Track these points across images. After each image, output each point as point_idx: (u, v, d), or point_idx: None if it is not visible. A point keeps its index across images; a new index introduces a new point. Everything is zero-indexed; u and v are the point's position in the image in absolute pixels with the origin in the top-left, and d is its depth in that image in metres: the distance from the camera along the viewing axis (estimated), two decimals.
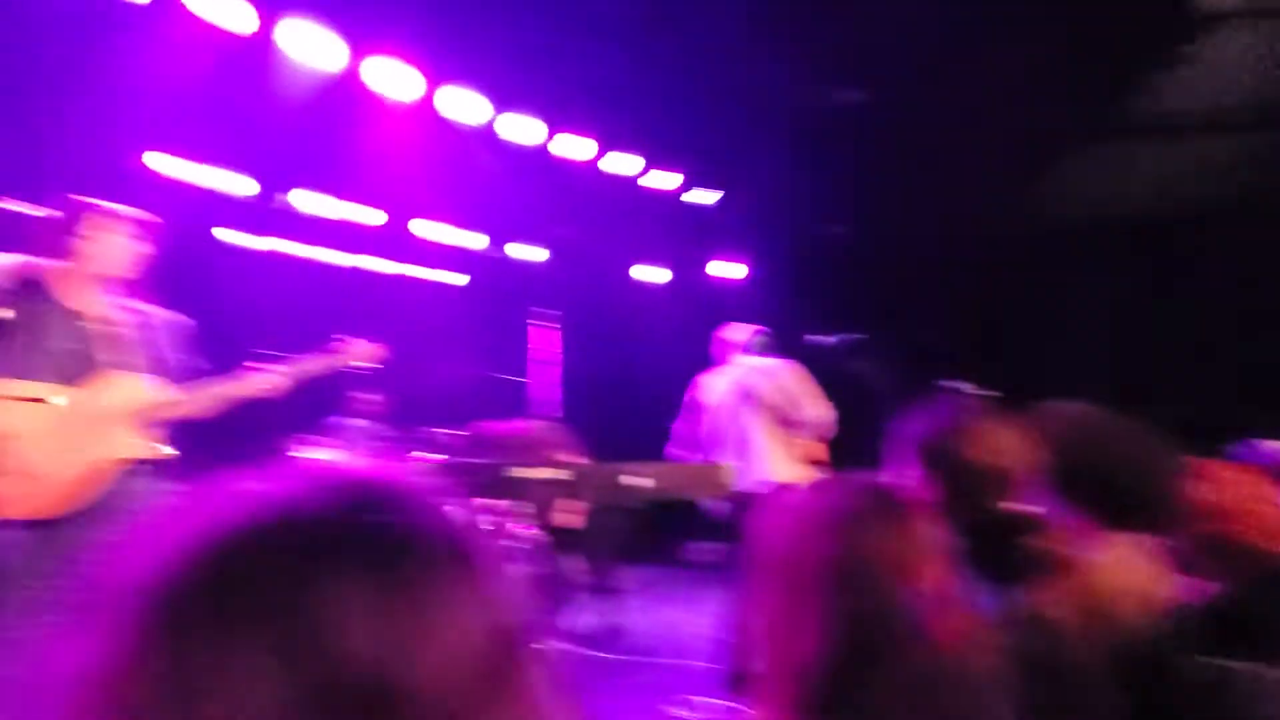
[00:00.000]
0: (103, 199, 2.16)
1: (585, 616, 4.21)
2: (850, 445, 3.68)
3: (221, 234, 5.98)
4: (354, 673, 0.30)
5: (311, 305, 6.51)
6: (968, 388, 3.23)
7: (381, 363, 2.60)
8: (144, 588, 0.32)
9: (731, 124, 5.23)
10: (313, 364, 2.38)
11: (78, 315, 2.06)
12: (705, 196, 6.29)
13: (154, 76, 3.98)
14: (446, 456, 5.24)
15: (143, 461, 2.08)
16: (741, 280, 7.42)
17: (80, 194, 2.14)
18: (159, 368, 2.16)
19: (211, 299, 5.72)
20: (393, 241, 6.64)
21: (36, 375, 1.94)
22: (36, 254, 2.03)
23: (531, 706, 0.36)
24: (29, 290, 2.00)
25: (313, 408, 5.73)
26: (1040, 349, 5.68)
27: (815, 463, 3.38)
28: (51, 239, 2.03)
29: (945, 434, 1.16)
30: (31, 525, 1.87)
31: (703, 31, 4.36)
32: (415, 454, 5.05)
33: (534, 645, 0.38)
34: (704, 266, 7.44)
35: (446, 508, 0.39)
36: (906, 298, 6.34)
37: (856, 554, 0.76)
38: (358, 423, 5.75)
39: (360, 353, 2.53)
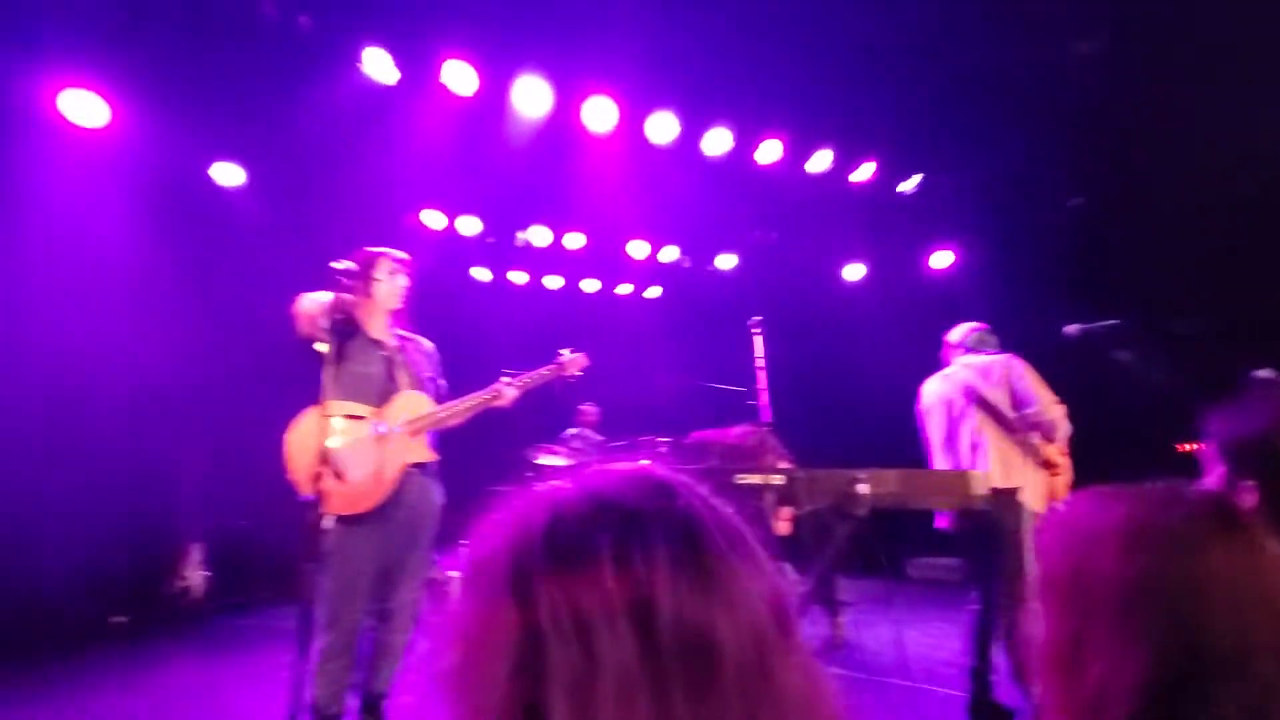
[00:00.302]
0: (386, 247, 2.67)
1: (807, 626, 4.15)
2: (1121, 445, 3.21)
3: (476, 272, 6.94)
4: (674, 625, 0.39)
5: (540, 326, 7.27)
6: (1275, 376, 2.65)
7: (594, 372, 2.93)
8: (507, 560, 0.44)
9: (933, 101, 4.83)
10: (536, 376, 2.74)
11: (378, 344, 2.55)
12: (905, 184, 5.86)
13: (412, 144, 4.78)
14: (665, 464, 5.53)
15: (423, 465, 2.50)
16: (953, 270, 6.78)
17: (370, 245, 2.67)
18: (426, 386, 2.60)
19: (465, 326, 6.65)
20: (605, 262, 7.16)
21: (352, 396, 2.42)
22: (344, 294, 2.46)
23: (805, 657, 0.45)
24: (342, 325, 2.46)
25: (550, 420, 6.39)
26: None
27: (1049, 466, 3.00)
28: (354, 282, 2.47)
29: (1263, 431, 0.99)
30: (344, 520, 2.30)
31: (892, 6, 4.11)
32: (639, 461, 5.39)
33: (795, 611, 0.47)
34: (913, 258, 6.92)
35: (719, 504, 0.48)
36: (1168, 275, 5.31)
37: (1190, 574, 0.65)
38: (587, 433, 6.28)
39: (576, 363, 2.88)
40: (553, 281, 7.36)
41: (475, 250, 6.63)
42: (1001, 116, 5.00)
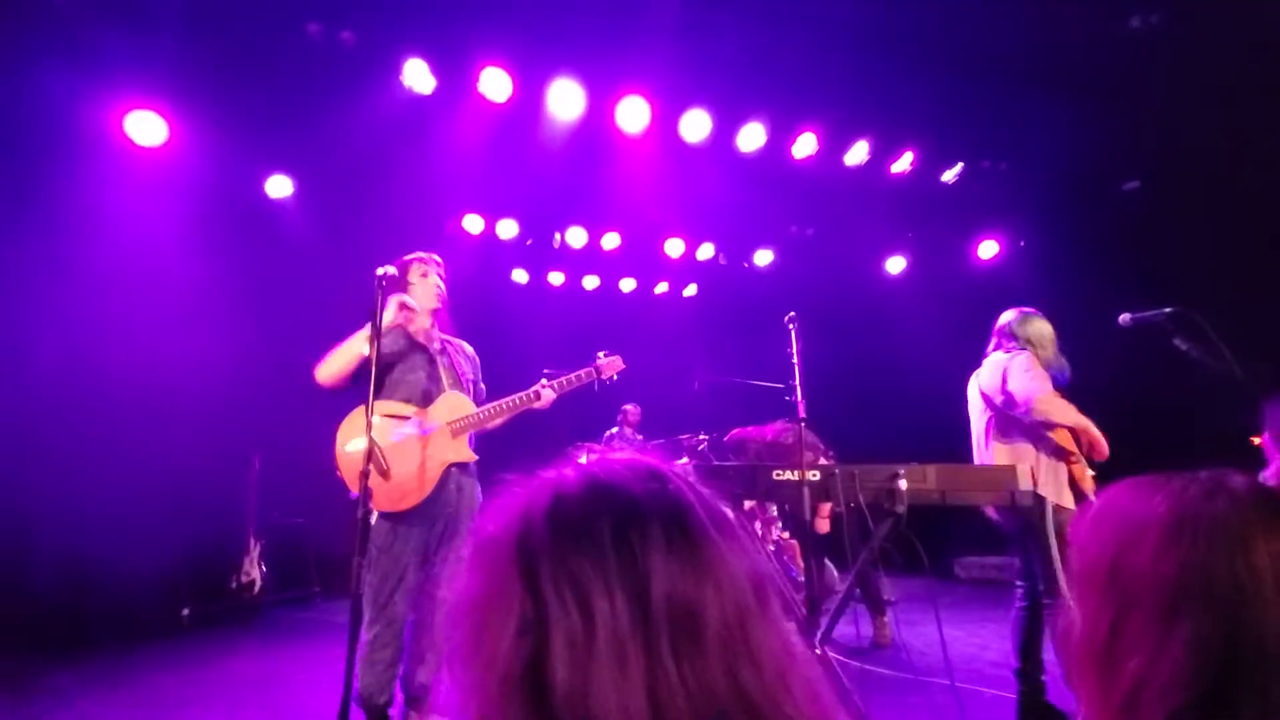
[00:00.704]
0: (419, 251, 2.75)
1: (850, 626, 4.09)
2: (1185, 436, 3.08)
3: (515, 274, 7.06)
4: (665, 598, 0.45)
5: (578, 327, 7.35)
6: None
7: (632, 371, 2.96)
8: (514, 537, 0.48)
9: (972, 85, 4.68)
10: (574, 378, 2.78)
11: (422, 347, 2.63)
12: (948, 174, 5.70)
13: (451, 151, 4.89)
14: (703, 461, 5.54)
15: (464, 464, 2.57)
16: (999, 260, 6.57)
17: (413, 251, 2.76)
18: (467, 388, 2.67)
19: (505, 328, 6.78)
20: (642, 261, 7.19)
21: (397, 396, 2.48)
22: (387, 300, 2.57)
23: (782, 627, 0.49)
24: (389, 329, 2.55)
25: (592, 421, 6.47)
26: None
27: (1066, 456, 2.90)
28: (395, 288, 2.58)
29: None
30: (388, 516, 2.40)
31: None
32: (677, 461, 5.41)
33: (774, 587, 0.52)
34: (957, 249, 6.74)
35: (705, 490, 0.54)
36: (1234, 260, 5.04)
37: (1233, 567, 0.62)
38: (627, 433, 6.34)
39: (613, 365, 2.92)
40: (590, 282, 7.42)
41: (514, 253, 6.74)
42: (1046, 98, 4.82)
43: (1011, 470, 2.30)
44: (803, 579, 4.45)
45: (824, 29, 4.24)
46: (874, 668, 3.71)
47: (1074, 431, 2.96)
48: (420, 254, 2.71)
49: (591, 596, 0.44)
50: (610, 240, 6.60)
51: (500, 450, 3.45)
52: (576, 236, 6.48)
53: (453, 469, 2.52)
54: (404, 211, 5.34)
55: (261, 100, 4.36)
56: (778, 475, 2.41)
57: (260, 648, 4.30)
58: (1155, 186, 5.56)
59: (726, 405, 6.26)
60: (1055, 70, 4.62)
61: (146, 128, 4.27)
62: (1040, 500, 2.85)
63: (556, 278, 7.26)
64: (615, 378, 2.95)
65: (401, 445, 2.42)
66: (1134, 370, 4.25)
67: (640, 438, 6.33)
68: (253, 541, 4.92)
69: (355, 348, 2.43)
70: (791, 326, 2.67)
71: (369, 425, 2.07)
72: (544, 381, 2.69)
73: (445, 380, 2.59)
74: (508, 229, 6.22)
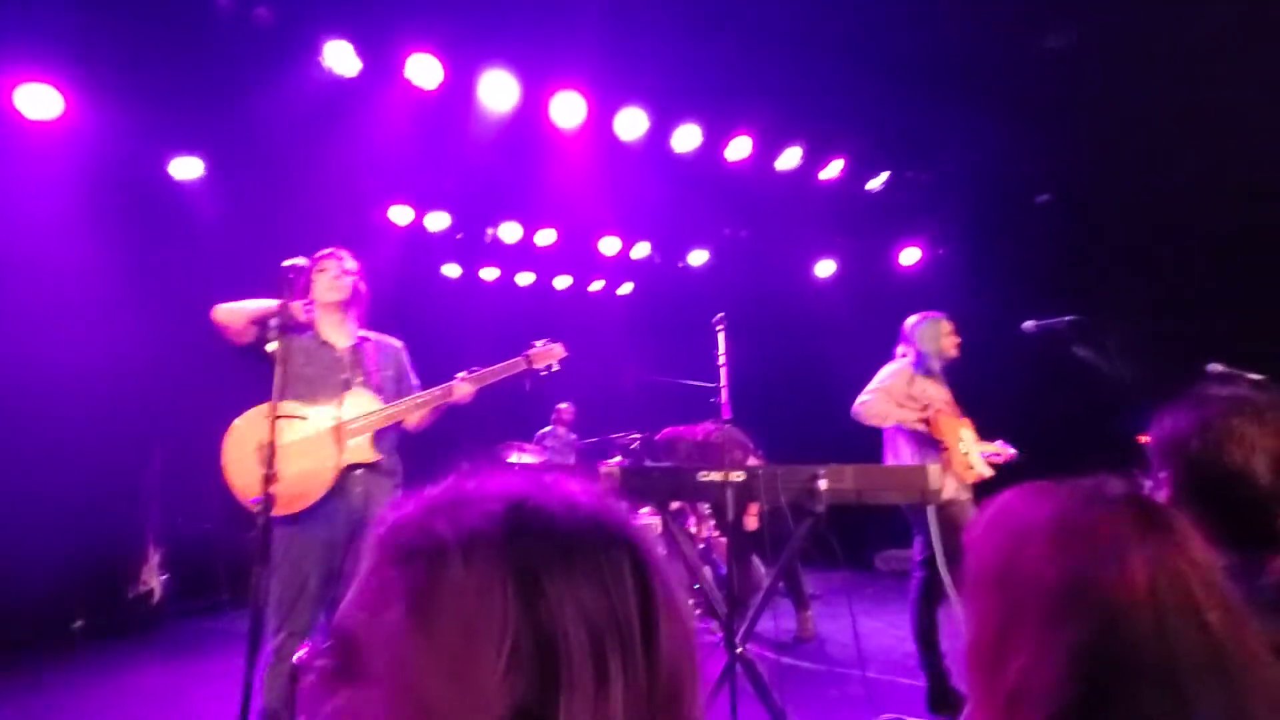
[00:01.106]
0: (349, 248, 2.63)
1: (774, 621, 4.18)
2: (1082, 438, 3.27)
3: (447, 269, 6.86)
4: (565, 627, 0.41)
5: (512, 323, 7.23)
6: (1241, 374, 2.72)
7: (567, 369, 2.85)
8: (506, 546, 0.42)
9: (900, 97, 4.86)
10: (498, 370, 2.64)
11: (327, 345, 2.51)
12: (873, 182, 5.91)
13: (377, 138, 4.70)
14: (634, 460, 5.54)
15: (370, 466, 2.43)
16: (921, 266, 6.86)
17: (335, 242, 2.63)
18: (382, 385, 2.54)
19: (436, 324, 6.59)
20: (577, 258, 7.13)
21: (295, 396, 2.34)
22: (292, 296, 2.41)
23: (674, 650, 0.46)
24: (289, 326, 2.39)
25: (523, 419, 6.36)
26: None
27: (936, 446, 3.18)
28: (298, 282, 2.43)
29: (1200, 433, 0.98)
30: (286, 521, 2.26)
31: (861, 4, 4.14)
32: (608, 460, 5.39)
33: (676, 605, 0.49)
34: (882, 255, 6.99)
35: (613, 504, 0.50)
36: (1141, 272, 5.42)
37: (1110, 577, 0.63)
38: (560, 432, 6.27)
39: (550, 354, 2.76)
40: (524, 278, 7.31)
41: (445, 246, 6.56)
42: (969, 112, 5.05)
43: (923, 471, 2.38)
44: (729, 575, 4.51)
45: (759, 34, 4.30)
46: (794, 661, 3.81)
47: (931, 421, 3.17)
48: (327, 250, 2.58)
49: (609, 641, 0.41)
50: (545, 236, 6.51)
51: (426, 451, 3.34)
52: (510, 232, 6.36)
53: (355, 471, 2.40)
54: (325, 199, 5.09)
55: (168, 76, 4.07)
56: (703, 477, 2.42)
57: (160, 661, 4.03)
58: (1066, 200, 5.90)
59: (659, 404, 6.29)
60: (977, 84, 4.84)
61: (39, 101, 3.92)
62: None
63: (490, 273, 7.11)
64: (555, 368, 2.78)
65: (294, 446, 2.29)
66: (1039, 375, 4.51)
67: (574, 436, 6.28)
68: (152, 548, 4.60)
69: (263, 307, 2.31)
70: (719, 329, 2.69)
71: (272, 425, 1.95)
72: (461, 375, 2.56)
73: (352, 378, 2.48)
74: (438, 221, 6.04)
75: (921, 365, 3.37)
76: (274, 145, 4.66)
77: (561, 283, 7.52)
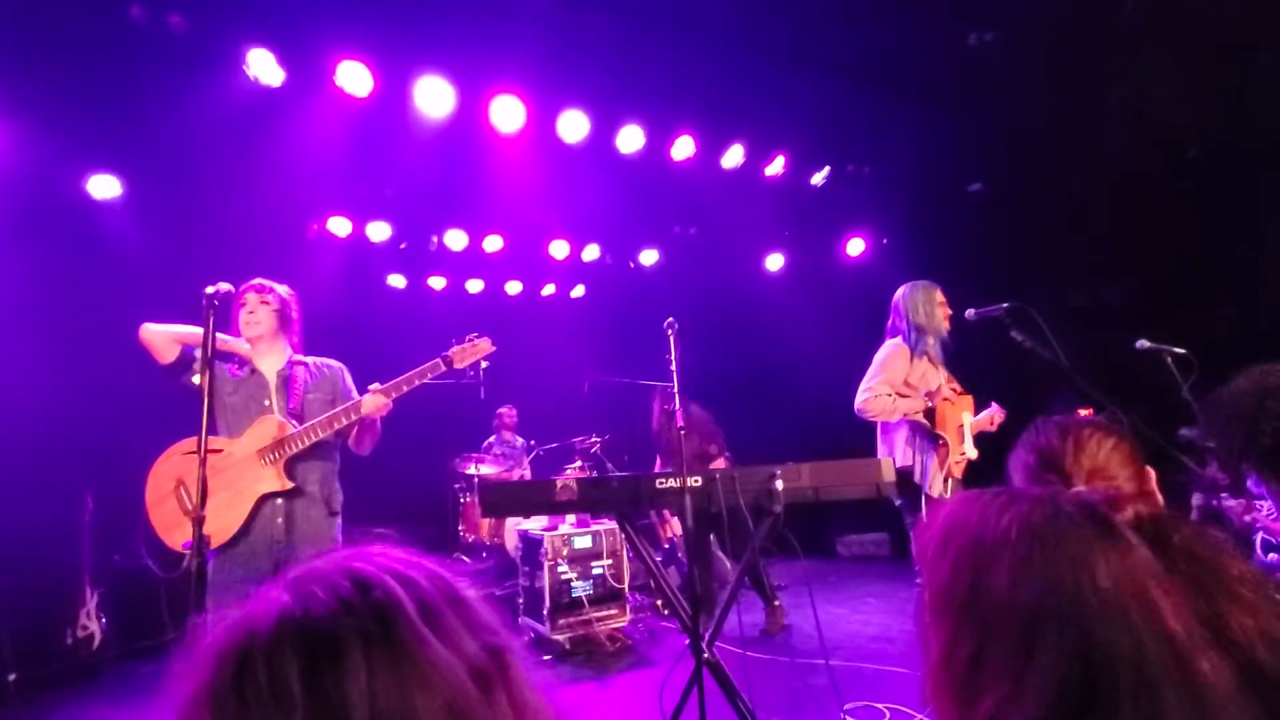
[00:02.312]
0: (285, 264, 2.54)
1: (739, 616, 4.21)
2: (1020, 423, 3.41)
3: (393, 279, 6.67)
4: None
5: (463, 331, 7.08)
6: (1168, 349, 2.85)
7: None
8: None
9: (835, 93, 4.95)
10: (415, 375, 2.46)
11: (255, 372, 2.44)
12: (816, 176, 6.00)
13: (309, 149, 4.53)
14: (595, 464, 5.52)
15: (289, 493, 2.34)
16: (866, 257, 7.01)
17: (266, 263, 2.53)
18: (305, 410, 2.44)
19: (384, 336, 6.40)
20: (527, 263, 7.03)
21: (220, 428, 2.35)
22: (216, 325, 2.31)
23: (518, 702, 0.46)
24: (214, 356, 2.30)
25: (475, 428, 6.25)
26: (1253, 296, 4.78)
27: (935, 442, 3.14)
28: (225, 311, 2.36)
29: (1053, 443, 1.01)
30: (215, 551, 2.23)
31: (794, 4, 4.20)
32: (567, 465, 5.35)
33: (515, 654, 0.49)
34: (829, 248, 7.12)
35: (425, 573, 0.49)
36: (1069, 254, 5.66)
37: (1078, 593, 0.60)
38: (506, 436, 6.18)
39: (474, 351, 2.63)
40: (474, 285, 7.18)
41: (388, 256, 6.39)
42: (902, 106, 5.18)
43: (876, 464, 2.42)
44: (695, 574, 4.54)
45: (696, 34, 4.31)
46: (760, 654, 3.83)
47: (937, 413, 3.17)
48: (248, 283, 2.50)
49: None
50: (493, 243, 6.41)
51: (374, 469, 3.24)
52: (456, 239, 6.23)
53: (272, 499, 2.33)
54: (258, 214, 4.89)
55: (81, 90, 3.85)
56: (661, 484, 2.40)
57: (104, 709, 3.81)
58: (997, 188, 6.11)
59: (617, 405, 6.27)
60: (908, 80, 4.97)
61: None
62: (916, 489, 3.06)
63: (438, 282, 6.96)
64: (484, 364, 2.65)
65: (212, 480, 2.19)
66: (984, 361, 4.67)
67: (523, 441, 6.21)
68: (89, 591, 4.34)
69: (189, 333, 2.32)
70: (670, 332, 2.67)
71: (203, 461, 1.85)
72: (374, 387, 2.41)
73: (274, 405, 2.40)
74: (379, 231, 5.87)
75: (915, 344, 3.27)
76: (199, 160, 4.44)
77: (513, 288, 7.41)
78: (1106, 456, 1.11)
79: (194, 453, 2.11)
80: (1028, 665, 0.59)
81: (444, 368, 2.54)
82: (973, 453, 3.21)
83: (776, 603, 4.40)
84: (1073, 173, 5.43)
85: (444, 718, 0.43)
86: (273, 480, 2.32)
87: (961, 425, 3.20)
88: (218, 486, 2.22)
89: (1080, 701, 0.57)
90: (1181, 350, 2.94)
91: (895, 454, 3.19)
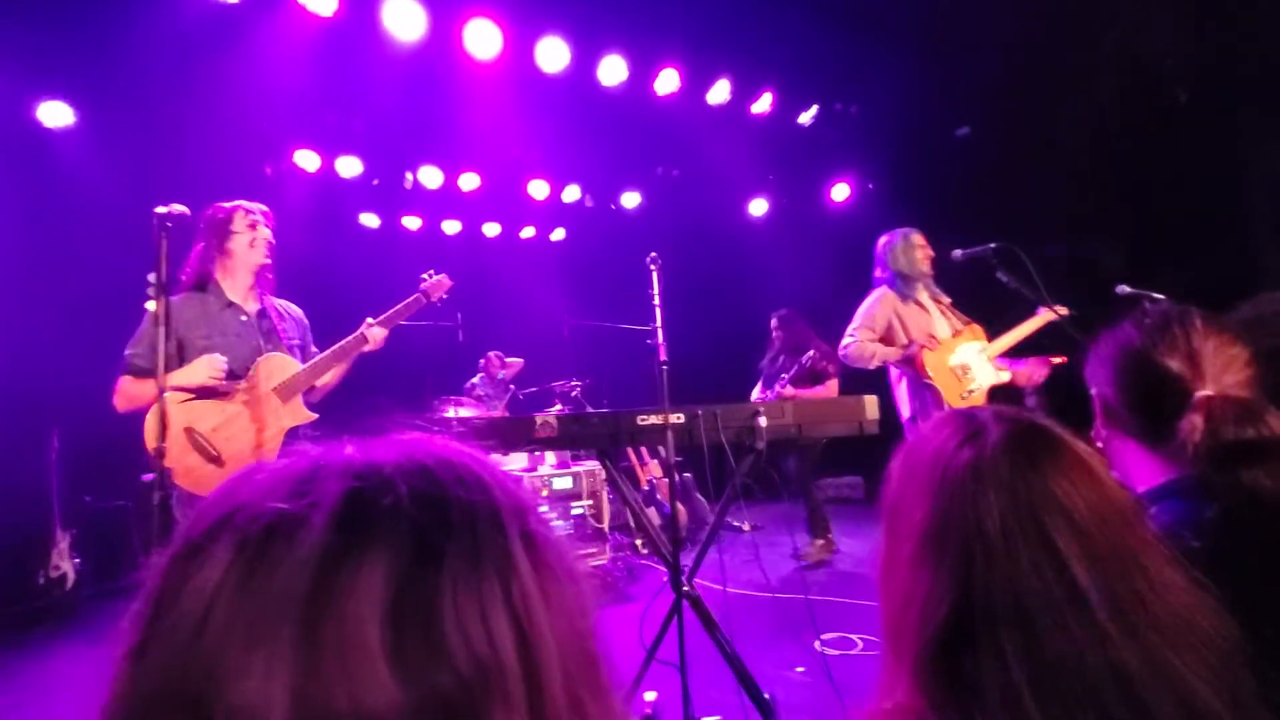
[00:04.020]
0: (250, 197, 2.41)
1: (720, 555, 4.30)
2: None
3: (365, 218, 6.45)
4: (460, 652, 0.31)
5: (441, 273, 6.92)
6: (1147, 294, 2.86)
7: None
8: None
9: (826, 29, 4.77)
10: (401, 309, 2.52)
11: (237, 309, 2.33)
12: (804, 116, 5.84)
13: (272, 74, 4.28)
14: (573, 408, 5.50)
15: (302, 428, 2.32)
16: (851, 202, 6.91)
17: (232, 191, 2.41)
18: (293, 353, 2.40)
19: (356, 277, 6.21)
20: (505, 204, 6.84)
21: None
22: (200, 254, 2.31)
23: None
24: (198, 287, 2.30)
25: (452, 373, 6.17)
26: (1243, 237, 4.78)
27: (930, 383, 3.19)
28: (209, 239, 2.30)
29: (1140, 347, 0.95)
30: None
31: None
32: (546, 409, 5.32)
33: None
34: (814, 191, 7.01)
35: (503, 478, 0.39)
36: (1057, 200, 5.61)
37: (969, 514, 0.63)
38: (491, 376, 6.11)
39: (440, 285, 2.66)
40: (451, 226, 6.98)
41: (360, 193, 6.15)
42: (891, 45, 5.01)
43: (860, 402, 2.41)
44: (676, 512, 4.61)
45: None
46: (740, 590, 3.93)
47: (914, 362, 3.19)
48: (246, 203, 2.37)
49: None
50: (469, 181, 6.19)
51: (358, 409, 3.18)
52: (431, 176, 6.01)
53: (296, 433, 2.29)
54: (221, 144, 4.65)
55: (26, 7, 3.56)
56: (642, 420, 2.37)
57: (80, 648, 3.80)
58: (985, 133, 6.01)
59: (597, 350, 6.22)
60: (901, 19, 4.79)
61: None
62: (913, 428, 3.11)
63: (413, 222, 6.75)
64: (445, 297, 2.74)
65: (228, 424, 2.17)
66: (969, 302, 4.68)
67: (514, 387, 6.16)
68: (60, 532, 4.28)
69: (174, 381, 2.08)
70: (653, 267, 2.59)
71: (161, 389, 1.77)
72: (370, 321, 2.44)
73: (264, 345, 2.32)
74: (350, 166, 5.63)
75: (899, 287, 3.32)
76: (155, 85, 4.18)
77: (491, 230, 7.23)
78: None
79: (190, 399, 2.11)
80: (919, 575, 0.64)
81: (425, 301, 2.60)
82: (990, 380, 3.22)
83: (830, 535, 4.62)
84: (1061, 120, 5.35)
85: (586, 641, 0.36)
86: (298, 414, 2.29)
87: (959, 364, 3.21)
88: (239, 430, 2.16)
89: (962, 613, 0.61)
90: (1160, 296, 2.96)
91: (901, 406, 3.31)
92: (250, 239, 2.32)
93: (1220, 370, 0.89)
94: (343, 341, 2.39)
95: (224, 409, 2.17)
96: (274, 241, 2.39)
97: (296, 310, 2.56)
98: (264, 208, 2.39)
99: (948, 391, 3.15)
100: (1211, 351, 0.90)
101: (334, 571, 0.31)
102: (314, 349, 2.52)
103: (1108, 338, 1.01)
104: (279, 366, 2.30)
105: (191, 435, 2.11)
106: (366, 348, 2.42)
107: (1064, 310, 3.11)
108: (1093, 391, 1.03)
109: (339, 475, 0.35)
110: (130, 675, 0.33)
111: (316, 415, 2.35)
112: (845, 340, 3.32)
